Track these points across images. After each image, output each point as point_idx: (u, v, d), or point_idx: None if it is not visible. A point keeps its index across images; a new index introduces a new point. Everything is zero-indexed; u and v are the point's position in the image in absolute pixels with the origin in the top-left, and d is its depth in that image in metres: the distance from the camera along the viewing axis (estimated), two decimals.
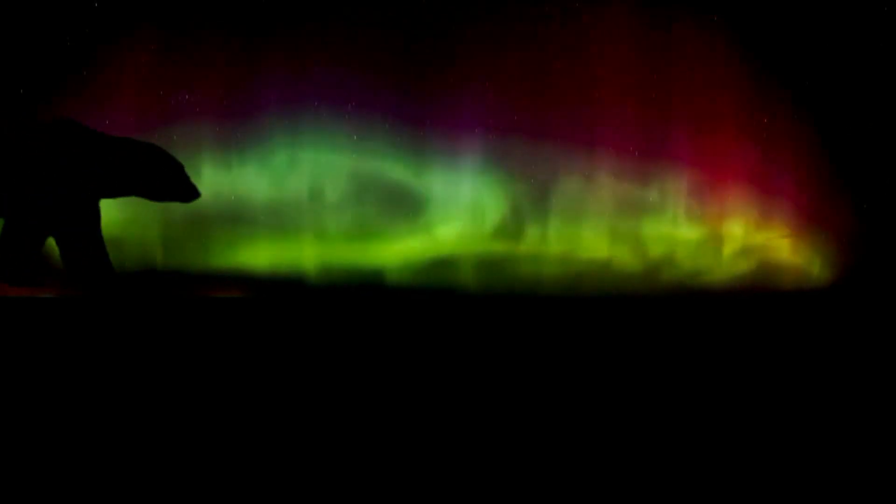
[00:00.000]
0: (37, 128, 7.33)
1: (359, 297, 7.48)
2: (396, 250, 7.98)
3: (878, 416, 2.65)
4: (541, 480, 1.89)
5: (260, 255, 7.89)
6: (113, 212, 7.86)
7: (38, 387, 3.01)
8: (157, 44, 8.17)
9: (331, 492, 1.79)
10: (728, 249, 8.53)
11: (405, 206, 7.93)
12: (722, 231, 8.45)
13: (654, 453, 2.11)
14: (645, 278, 8.25)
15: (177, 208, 7.82)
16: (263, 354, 4.10)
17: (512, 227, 8.21)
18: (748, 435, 2.32)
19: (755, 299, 7.98)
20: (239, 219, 7.92)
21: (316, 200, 7.92)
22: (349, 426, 2.39)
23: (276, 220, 7.90)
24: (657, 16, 8.40)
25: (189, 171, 7.62)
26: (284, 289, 7.71)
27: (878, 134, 8.41)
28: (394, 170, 7.76)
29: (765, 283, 8.34)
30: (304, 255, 7.83)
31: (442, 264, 7.83)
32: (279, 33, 8.29)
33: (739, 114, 8.60)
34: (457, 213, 8.09)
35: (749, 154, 8.63)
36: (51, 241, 7.61)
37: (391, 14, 8.26)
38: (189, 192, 7.59)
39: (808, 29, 8.35)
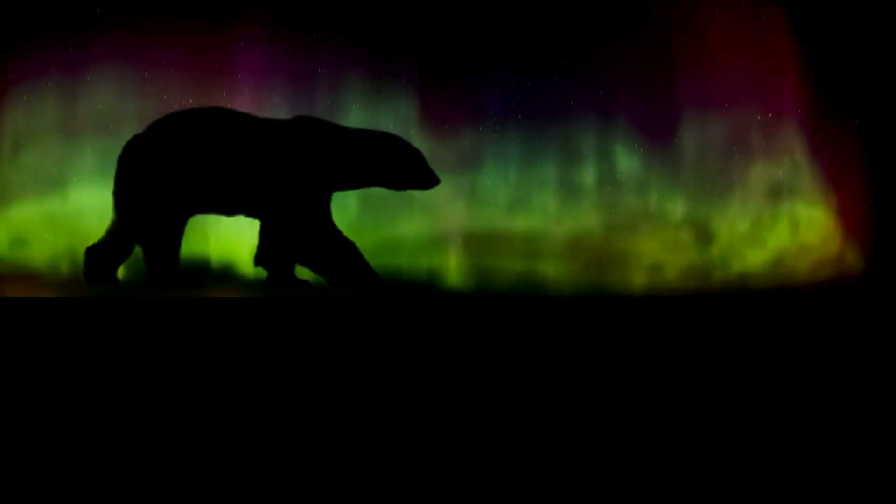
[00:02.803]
0: (276, 125, 7.44)
1: (359, 296, 7.48)
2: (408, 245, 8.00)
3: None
4: (543, 481, 1.91)
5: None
6: None
7: (38, 387, 3.02)
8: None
9: (331, 492, 1.81)
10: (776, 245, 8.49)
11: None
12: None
13: (674, 453, 2.13)
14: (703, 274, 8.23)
15: None
16: (263, 354, 4.11)
17: None
18: (778, 435, 2.34)
19: (785, 295, 7.95)
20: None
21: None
22: (350, 426, 2.41)
23: None
24: None
25: None
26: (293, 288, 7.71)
27: None
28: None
29: (795, 278, 8.30)
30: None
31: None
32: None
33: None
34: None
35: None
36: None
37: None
38: (429, 180, 7.58)
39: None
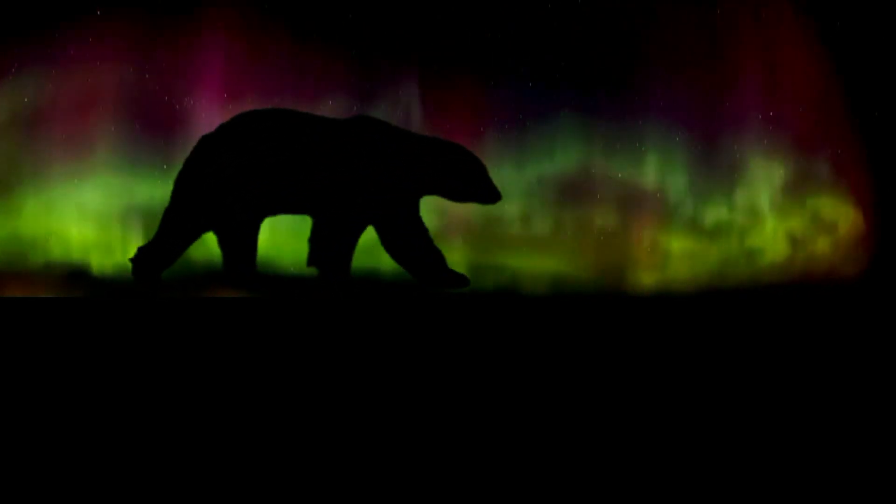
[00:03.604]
0: (343, 126, 7.39)
1: (361, 295, 7.47)
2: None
3: None
4: (549, 482, 1.90)
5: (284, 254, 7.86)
6: None
7: (39, 387, 3.01)
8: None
9: (331, 492, 1.80)
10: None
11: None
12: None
13: (681, 453, 2.12)
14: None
15: None
16: (263, 354, 4.10)
17: None
18: (784, 435, 2.33)
19: (790, 292, 7.94)
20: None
21: None
22: (351, 427, 2.40)
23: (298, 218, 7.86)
24: None
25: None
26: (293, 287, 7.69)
27: None
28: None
29: (799, 275, 8.28)
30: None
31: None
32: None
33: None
34: None
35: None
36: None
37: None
38: (491, 195, 7.45)
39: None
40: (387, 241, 7.40)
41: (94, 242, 7.80)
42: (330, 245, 7.39)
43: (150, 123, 8.00)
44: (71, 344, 4.47)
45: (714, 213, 8.33)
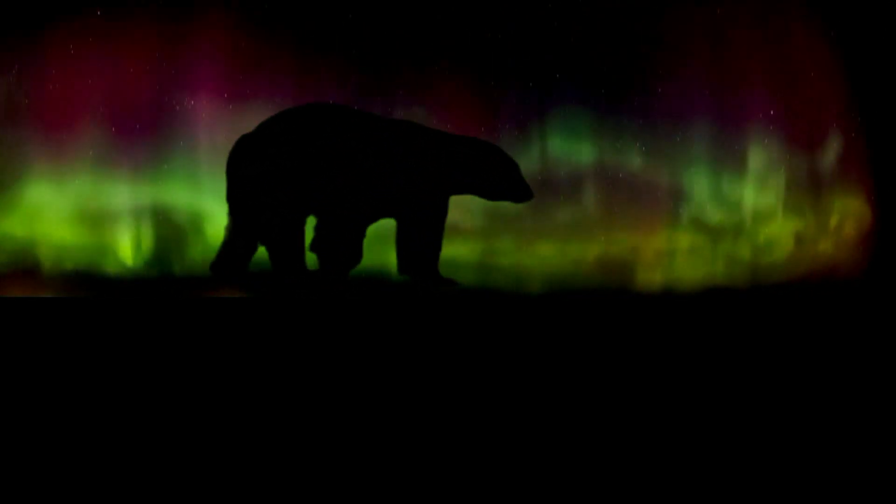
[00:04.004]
0: (383, 126, 7.44)
1: (363, 295, 7.47)
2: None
3: None
4: (551, 482, 1.89)
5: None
6: None
7: (39, 387, 3.00)
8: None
9: (331, 492, 1.79)
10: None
11: None
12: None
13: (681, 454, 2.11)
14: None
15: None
16: (263, 355, 4.09)
17: None
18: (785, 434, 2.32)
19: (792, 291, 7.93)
20: None
21: None
22: (351, 427, 2.39)
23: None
24: None
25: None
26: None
27: None
28: None
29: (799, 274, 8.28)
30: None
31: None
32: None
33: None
34: None
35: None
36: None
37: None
38: (523, 193, 7.58)
39: None
40: (405, 238, 7.46)
41: (87, 244, 7.80)
42: (410, 247, 7.47)
43: (147, 124, 8.01)
44: (71, 344, 4.46)
45: (717, 213, 8.33)
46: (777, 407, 2.77)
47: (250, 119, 8.10)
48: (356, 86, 8.29)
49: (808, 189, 8.42)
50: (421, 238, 7.48)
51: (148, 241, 7.92)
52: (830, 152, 8.45)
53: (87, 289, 7.47)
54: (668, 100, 8.31)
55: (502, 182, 7.54)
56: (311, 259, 7.66)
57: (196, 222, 7.93)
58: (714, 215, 8.30)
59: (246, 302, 7.05)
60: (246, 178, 7.29)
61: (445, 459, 2.04)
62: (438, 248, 7.54)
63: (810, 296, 7.80)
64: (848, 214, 8.41)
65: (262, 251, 7.58)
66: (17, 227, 7.83)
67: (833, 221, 8.40)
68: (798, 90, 8.45)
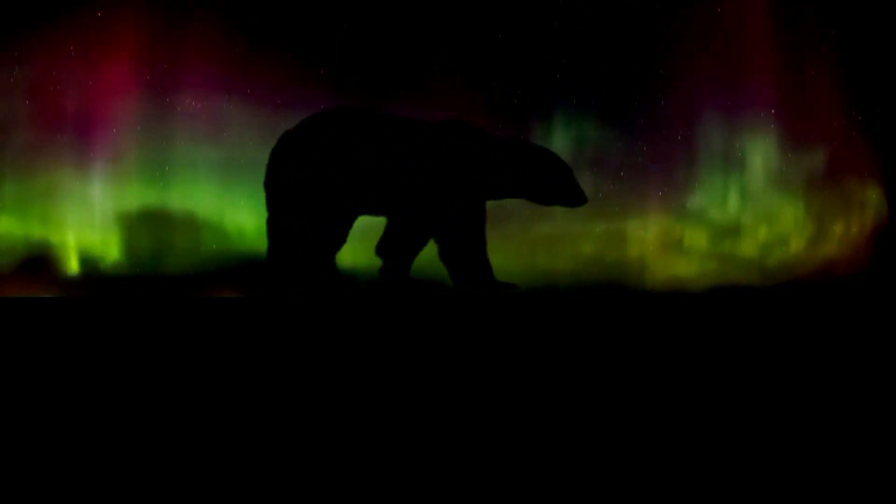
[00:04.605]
0: (430, 128, 7.36)
1: (363, 295, 7.45)
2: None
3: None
4: (548, 481, 1.87)
5: None
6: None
7: (38, 387, 2.99)
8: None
9: (331, 492, 1.77)
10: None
11: None
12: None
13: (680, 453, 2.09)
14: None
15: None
16: (263, 355, 4.08)
17: None
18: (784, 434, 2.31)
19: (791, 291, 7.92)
20: None
21: None
22: (351, 427, 2.37)
23: None
24: None
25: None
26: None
27: None
28: None
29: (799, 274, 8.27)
30: None
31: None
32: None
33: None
34: None
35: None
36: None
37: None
38: (576, 197, 7.44)
39: None
40: (450, 243, 7.36)
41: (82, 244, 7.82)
42: (404, 243, 7.38)
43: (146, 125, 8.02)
44: (71, 344, 4.45)
45: (719, 211, 8.34)
46: (781, 405, 2.75)
47: (249, 120, 8.13)
48: (355, 88, 8.31)
49: (812, 188, 8.43)
50: (458, 242, 7.34)
51: (145, 241, 7.93)
52: (836, 151, 8.45)
53: (87, 289, 7.49)
54: (670, 99, 8.32)
55: (555, 187, 7.39)
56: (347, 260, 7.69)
57: (192, 222, 7.95)
58: (717, 214, 8.31)
59: (246, 302, 7.04)
60: (287, 177, 7.22)
61: (447, 459, 2.02)
62: (482, 253, 7.41)
63: (815, 293, 7.80)
64: (854, 212, 8.41)
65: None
66: (15, 227, 7.85)
67: (839, 219, 8.40)
68: (802, 88, 8.46)
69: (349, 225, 7.29)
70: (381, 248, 7.52)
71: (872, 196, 8.50)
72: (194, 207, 8.01)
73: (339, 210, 7.21)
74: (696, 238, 8.36)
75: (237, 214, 7.99)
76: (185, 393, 2.83)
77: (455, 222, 7.29)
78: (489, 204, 7.59)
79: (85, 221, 7.90)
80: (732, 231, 8.41)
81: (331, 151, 7.14)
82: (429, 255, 7.62)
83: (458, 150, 7.33)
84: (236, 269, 7.89)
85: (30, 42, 7.99)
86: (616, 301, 7.30)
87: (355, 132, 7.21)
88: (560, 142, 8.41)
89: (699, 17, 8.33)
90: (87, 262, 7.79)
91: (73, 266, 7.82)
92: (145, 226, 7.94)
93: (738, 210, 8.46)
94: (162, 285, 7.62)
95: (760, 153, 8.48)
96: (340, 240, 7.27)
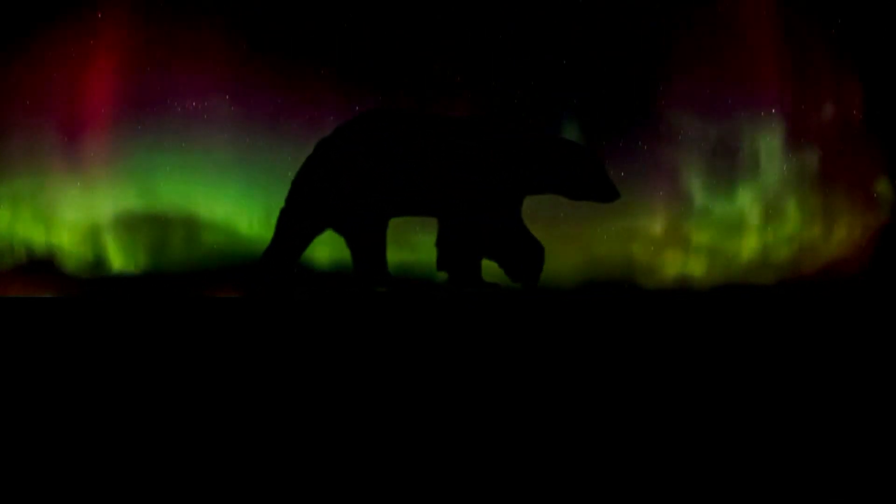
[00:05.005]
0: (463, 125, 7.40)
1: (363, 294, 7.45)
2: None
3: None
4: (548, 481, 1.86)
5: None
6: None
7: (38, 387, 2.98)
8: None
9: (331, 492, 1.76)
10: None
11: None
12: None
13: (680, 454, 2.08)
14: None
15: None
16: (263, 354, 4.07)
17: None
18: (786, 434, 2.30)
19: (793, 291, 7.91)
20: None
21: None
22: (350, 427, 2.36)
23: None
24: None
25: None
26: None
27: None
28: None
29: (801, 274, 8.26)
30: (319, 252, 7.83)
31: None
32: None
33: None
34: None
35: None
36: None
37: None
38: (609, 193, 7.45)
39: None
40: (489, 238, 7.40)
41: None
42: (460, 247, 7.40)
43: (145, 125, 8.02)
44: (71, 344, 4.44)
45: (721, 210, 8.32)
46: (780, 405, 2.74)
47: (249, 120, 8.13)
48: (353, 89, 8.30)
49: (815, 187, 8.41)
50: (473, 236, 7.39)
51: (145, 242, 7.93)
52: (840, 150, 8.43)
53: (87, 289, 7.49)
54: (672, 98, 8.31)
55: (587, 181, 7.40)
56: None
57: (191, 223, 7.94)
58: (719, 213, 8.29)
59: (246, 302, 7.04)
60: (326, 181, 7.29)
61: (449, 459, 2.01)
62: (516, 248, 7.44)
63: (819, 292, 7.78)
64: (858, 211, 8.38)
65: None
66: (16, 227, 7.86)
67: (842, 219, 8.38)
68: (804, 87, 8.44)
69: (386, 226, 7.38)
70: (442, 264, 7.57)
71: (877, 195, 8.48)
72: (194, 207, 8.01)
73: (376, 212, 7.29)
74: (699, 237, 8.34)
75: (237, 214, 7.98)
76: (184, 393, 2.82)
77: (494, 221, 7.34)
78: None
79: (85, 221, 7.89)
80: (735, 230, 8.39)
81: (367, 154, 7.23)
82: (428, 257, 7.63)
83: (494, 147, 7.38)
84: (236, 268, 7.88)
85: (26, 42, 8.00)
86: (617, 300, 7.28)
87: (391, 134, 7.30)
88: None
89: (701, 16, 8.31)
90: (87, 262, 7.79)
91: (71, 267, 7.81)
92: (146, 226, 7.95)
93: (739, 209, 8.44)
94: (162, 285, 7.63)
95: (763, 152, 8.47)
96: (381, 241, 7.37)
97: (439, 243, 7.47)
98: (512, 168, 7.34)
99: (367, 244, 7.37)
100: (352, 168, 7.26)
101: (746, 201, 8.42)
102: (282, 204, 7.51)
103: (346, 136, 7.39)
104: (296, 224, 7.34)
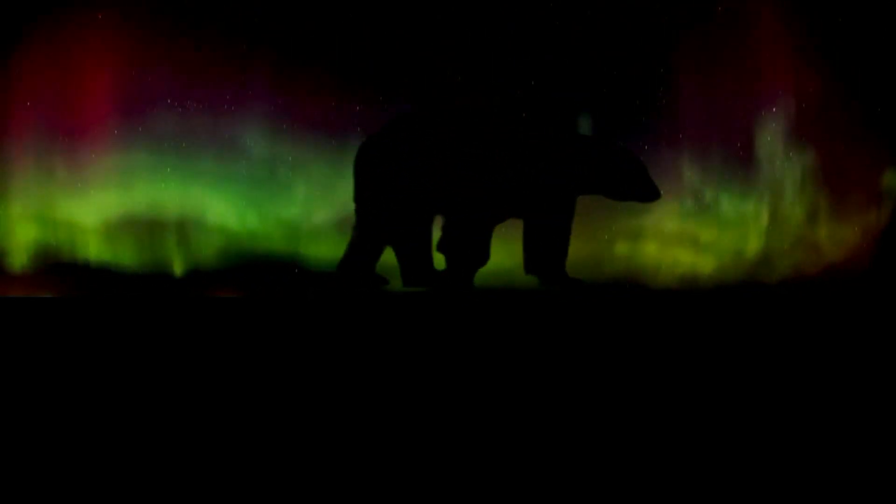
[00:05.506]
0: (514, 124, 7.46)
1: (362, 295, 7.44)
2: None
3: None
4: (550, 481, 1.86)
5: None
6: None
7: (38, 387, 2.98)
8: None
9: (331, 492, 1.76)
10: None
11: None
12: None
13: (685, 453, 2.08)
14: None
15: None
16: (263, 355, 4.07)
17: None
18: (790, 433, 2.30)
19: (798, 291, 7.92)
20: None
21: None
22: (350, 427, 2.36)
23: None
24: None
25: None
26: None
27: None
28: None
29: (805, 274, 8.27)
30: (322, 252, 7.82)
31: None
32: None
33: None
34: None
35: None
36: None
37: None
38: (650, 193, 7.56)
39: None
40: (533, 238, 7.44)
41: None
42: (538, 247, 7.45)
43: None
44: (71, 343, 4.44)
45: (723, 209, 8.31)
46: (784, 403, 2.74)
47: (249, 119, 8.12)
48: (353, 89, 8.28)
49: (817, 187, 8.40)
50: (549, 238, 7.44)
51: (145, 242, 7.92)
52: (843, 149, 8.42)
53: (87, 288, 7.47)
54: (673, 98, 8.30)
55: (631, 182, 7.50)
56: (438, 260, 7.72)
57: (192, 223, 7.93)
58: (720, 212, 8.28)
59: (246, 302, 7.02)
60: (374, 178, 7.30)
61: (451, 459, 2.01)
62: (566, 248, 7.50)
63: (821, 291, 7.78)
64: (859, 211, 8.38)
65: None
66: (15, 227, 7.84)
67: (845, 218, 8.37)
68: (805, 86, 8.43)
69: (430, 223, 7.42)
70: (529, 267, 7.58)
71: (883, 192, 8.47)
72: (194, 207, 8.00)
73: (424, 210, 7.32)
74: (701, 236, 8.34)
75: (237, 214, 7.96)
76: (185, 393, 2.82)
77: (552, 217, 7.37)
78: None
79: (85, 221, 7.88)
80: (737, 229, 8.39)
81: (415, 153, 7.21)
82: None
83: (548, 147, 7.42)
84: (236, 268, 7.86)
85: (25, 42, 7.98)
86: (619, 300, 7.28)
87: (438, 133, 7.31)
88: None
89: (703, 15, 8.31)
90: (87, 262, 7.78)
91: (71, 267, 7.79)
92: (146, 226, 7.93)
93: (741, 209, 8.43)
94: (163, 285, 7.62)
95: (767, 150, 8.46)
96: (428, 240, 7.42)
97: (468, 240, 7.49)
98: (569, 168, 7.40)
99: (418, 245, 7.37)
100: (396, 168, 7.26)
101: (750, 200, 8.41)
102: (281, 203, 7.51)
103: (390, 137, 7.35)
104: (367, 229, 7.32)
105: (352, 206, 7.46)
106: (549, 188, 7.40)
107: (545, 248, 7.49)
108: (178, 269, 7.82)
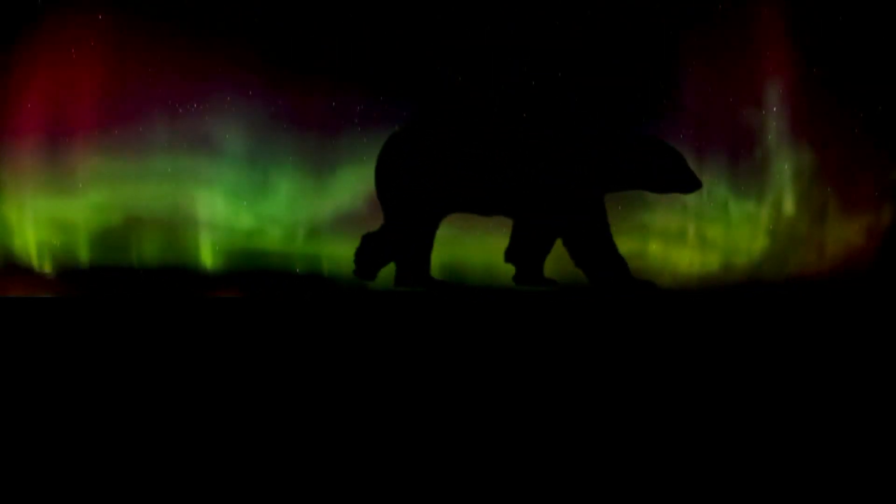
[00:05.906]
0: (540, 123, 7.39)
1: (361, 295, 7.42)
2: None
3: None
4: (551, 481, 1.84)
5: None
6: None
7: (38, 387, 2.97)
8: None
9: (331, 492, 1.74)
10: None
11: None
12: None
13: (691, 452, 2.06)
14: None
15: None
16: (263, 355, 4.05)
17: None
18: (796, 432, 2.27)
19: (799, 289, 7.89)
20: None
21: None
22: (350, 427, 2.34)
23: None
24: None
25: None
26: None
27: None
28: None
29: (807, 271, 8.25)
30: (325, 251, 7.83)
31: None
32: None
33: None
34: None
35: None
36: None
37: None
38: (691, 183, 7.44)
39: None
40: (575, 243, 7.34)
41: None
42: (531, 244, 7.38)
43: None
44: (71, 343, 4.43)
45: (724, 209, 8.29)
46: (786, 402, 2.72)
47: (249, 119, 8.13)
48: (353, 89, 8.28)
49: (819, 186, 8.39)
50: (585, 238, 7.33)
51: (145, 241, 7.94)
52: (844, 149, 8.41)
53: (87, 288, 7.49)
54: (675, 97, 8.29)
55: (669, 174, 7.37)
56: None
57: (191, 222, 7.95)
58: (723, 211, 8.27)
59: (246, 302, 7.02)
60: (391, 174, 7.26)
61: (451, 459, 1.99)
62: (612, 249, 7.38)
63: (822, 290, 7.76)
64: (864, 210, 8.36)
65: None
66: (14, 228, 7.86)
67: (846, 218, 8.35)
68: (811, 86, 8.42)
69: (437, 224, 7.39)
70: (511, 254, 7.55)
71: (881, 194, 8.46)
72: (194, 207, 8.01)
73: (437, 209, 7.26)
74: (706, 234, 8.33)
75: (236, 215, 7.97)
76: (185, 393, 2.81)
77: (578, 220, 7.30)
78: None
79: (85, 222, 7.89)
80: (741, 229, 8.37)
81: (435, 150, 7.16)
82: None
83: (575, 144, 7.31)
84: (236, 269, 7.87)
85: (23, 41, 8.00)
86: (619, 299, 7.26)
87: (462, 130, 7.22)
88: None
89: (704, 15, 8.31)
90: (87, 262, 7.80)
91: (70, 267, 7.81)
92: (146, 226, 7.95)
93: (745, 208, 8.42)
94: (163, 285, 7.63)
95: (766, 150, 8.45)
96: (430, 239, 7.38)
97: (514, 247, 7.43)
98: (594, 165, 7.31)
99: (413, 242, 7.32)
100: (414, 165, 7.20)
101: (753, 199, 8.40)
102: (281, 204, 7.51)
103: (411, 134, 7.31)
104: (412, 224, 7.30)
105: (350, 205, 7.48)
106: (575, 188, 7.28)
107: (535, 246, 7.42)
108: (177, 269, 7.83)
